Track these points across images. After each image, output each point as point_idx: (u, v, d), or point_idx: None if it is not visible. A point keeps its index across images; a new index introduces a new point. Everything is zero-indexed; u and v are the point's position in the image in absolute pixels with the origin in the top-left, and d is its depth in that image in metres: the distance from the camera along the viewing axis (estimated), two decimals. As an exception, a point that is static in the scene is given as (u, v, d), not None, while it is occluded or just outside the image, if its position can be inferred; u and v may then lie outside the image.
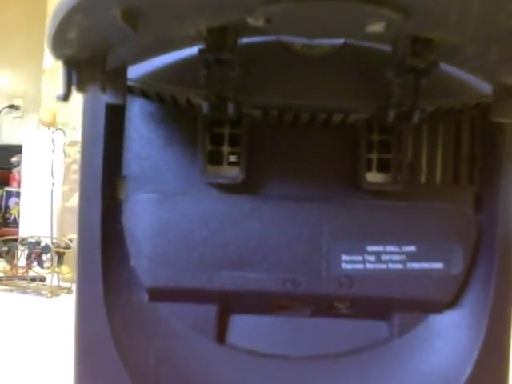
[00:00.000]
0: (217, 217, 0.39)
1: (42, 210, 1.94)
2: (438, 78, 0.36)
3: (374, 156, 0.41)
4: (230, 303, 0.40)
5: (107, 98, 0.34)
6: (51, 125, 2.06)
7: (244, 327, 0.41)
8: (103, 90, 0.31)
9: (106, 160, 0.39)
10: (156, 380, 0.38)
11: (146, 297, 0.40)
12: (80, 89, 0.30)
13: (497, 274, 0.39)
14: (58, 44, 0.26)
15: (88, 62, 0.30)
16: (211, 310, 0.40)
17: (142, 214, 0.39)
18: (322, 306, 0.40)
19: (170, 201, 0.39)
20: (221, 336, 0.40)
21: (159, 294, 0.39)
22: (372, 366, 0.41)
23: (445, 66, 0.36)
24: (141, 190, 0.39)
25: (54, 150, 1.97)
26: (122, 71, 0.34)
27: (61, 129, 2.03)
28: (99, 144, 0.39)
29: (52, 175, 1.92)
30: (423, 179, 0.41)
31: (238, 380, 0.40)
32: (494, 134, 0.41)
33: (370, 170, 0.40)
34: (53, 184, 1.92)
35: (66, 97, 0.29)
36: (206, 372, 0.39)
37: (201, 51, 0.30)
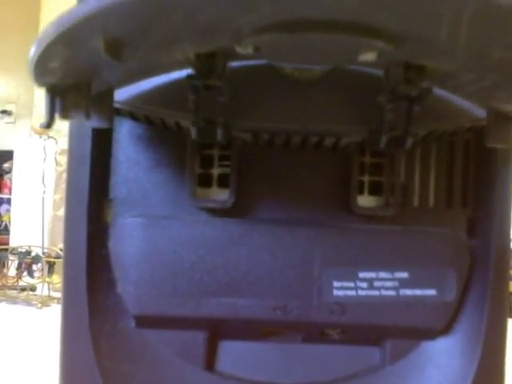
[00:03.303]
0: (206, 241, 0.38)
1: (32, 218, 1.93)
2: (431, 103, 0.36)
3: (366, 179, 0.40)
4: (218, 330, 0.39)
5: (93, 122, 0.34)
6: (43, 132, 2.04)
7: (233, 354, 0.40)
8: (87, 116, 0.30)
9: (92, 182, 0.38)
10: (142, 410, 0.37)
11: (132, 323, 0.39)
12: (64, 116, 0.29)
13: (490, 300, 0.39)
14: (41, 73, 0.26)
15: (72, 88, 0.29)
16: (199, 337, 0.39)
17: (128, 238, 0.38)
18: (313, 332, 0.40)
19: (157, 225, 0.38)
20: (209, 363, 0.39)
21: (146, 321, 0.38)
22: (364, 393, 0.40)
23: (438, 90, 0.36)
24: (128, 213, 0.39)
25: (45, 158, 1.95)
26: (108, 95, 0.33)
27: (53, 137, 2.02)
28: (86, 166, 0.38)
29: (43, 183, 1.90)
30: (416, 202, 0.40)
31: (227, 408, 0.39)
32: (488, 157, 0.40)
33: (362, 192, 0.40)
34: (44, 192, 1.91)
35: (49, 125, 0.28)
36: (194, 400, 0.38)
37: (189, 77, 0.30)
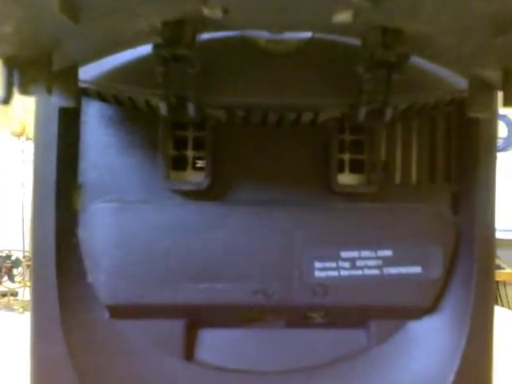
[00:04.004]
0: (181, 225, 0.36)
1: (12, 222, 1.89)
2: (411, 74, 0.34)
3: (347, 157, 0.39)
4: (197, 318, 0.38)
5: (58, 100, 0.32)
6: (21, 135, 2.00)
7: (213, 342, 0.38)
8: (49, 91, 0.28)
9: (60, 168, 0.36)
10: (119, 403, 0.36)
11: (106, 314, 0.37)
12: (23, 91, 0.27)
13: (477, 276, 0.38)
14: (-6, 39, 0.24)
15: (31, 61, 0.27)
16: (177, 326, 0.37)
17: (99, 225, 0.36)
18: (296, 316, 0.38)
19: (129, 210, 0.36)
20: (188, 352, 0.38)
21: (120, 311, 0.37)
22: (350, 376, 0.38)
23: (418, 61, 0.35)
24: (99, 199, 0.37)
25: (24, 161, 1.92)
26: (72, 71, 0.31)
27: (31, 139, 1.98)
28: (52, 150, 0.36)
29: (23, 186, 1.87)
30: (398, 179, 0.39)
31: (209, 399, 0.37)
32: (470, 131, 0.39)
33: (342, 171, 0.38)
34: (23, 195, 1.87)
35: (6, 99, 0.26)
36: (173, 392, 0.37)
37: (156, 46, 0.28)
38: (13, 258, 1.63)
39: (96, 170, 0.37)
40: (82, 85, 0.34)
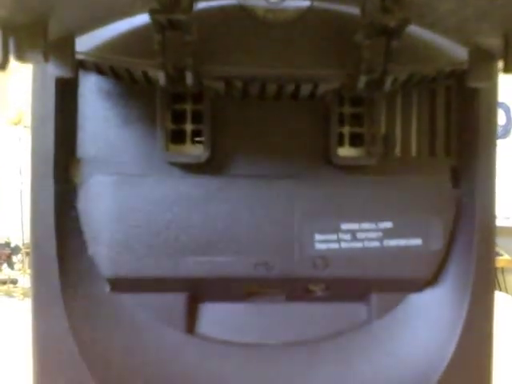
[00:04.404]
0: (181, 198, 0.36)
1: (11, 210, 1.89)
2: (411, 44, 0.34)
3: (346, 130, 0.38)
4: (198, 291, 0.37)
5: (55, 70, 0.31)
6: (17, 123, 1.99)
7: (215, 316, 0.38)
8: (46, 58, 0.28)
9: (58, 141, 0.36)
10: (120, 375, 0.36)
11: (107, 288, 0.37)
12: (19, 57, 0.27)
13: (477, 248, 0.38)
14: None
15: (27, 28, 0.27)
16: (179, 299, 0.37)
17: (98, 198, 0.36)
18: (297, 289, 0.38)
19: (129, 182, 0.36)
20: (190, 326, 0.38)
21: (121, 284, 0.37)
22: (351, 350, 0.39)
23: (418, 32, 0.34)
24: (97, 172, 0.37)
25: (21, 149, 1.91)
26: (69, 40, 0.31)
27: (28, 126, 1.97)
28: (50, 123, 0.35)
29: (20, 174, 1.86)
30: (398, 152, 0.39)
31: (211, 372, 0.37)
32: (471, 103, 0.39)
33: (342, 144, 0.38)
34: (21, 183, 1.87)
35: (2, 65, 0.26)
36: (175, 365, 0.37)
37: (152, 11, 0.28)
38: (12, 246, 1.63)
39: (94, 143, 0.37)
40: (78, 56, 0.34)
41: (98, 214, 0.36)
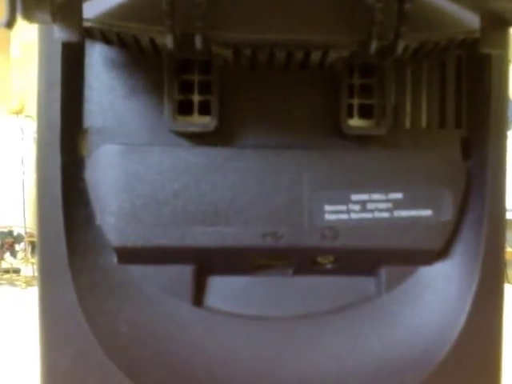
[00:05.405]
0: (188, 168, 0.36)
1: (14, 199, 1.89)
2: (423, 11, 0.34)
3: (356, 101, 0.38)
4: (206, 263, 0.37)
5: (61, 34, 0.31)
6: (19, 112, 1.99)
7: (222, 288, 0.38)
8: (54, 18, 0.27)
9: (64, 110, 0.35)
10: (128, 346, 0.35)
11: (114, 259, 0.37)
12: (26, 15, 0.26)
13: (487, 220, 0.37)
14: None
15: (34, -13, 0.27)
16: (186, 271, 0.37)
17: (106, 167, 0.36)
18: (305, 261, 0.38)
19: (136, 152, 0.36)
20: (198, 298, 0.37)
21: (129, 255, 0.36)
22: (360, 323, 0.38)
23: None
24: (104, 143, 0.36)
25: (23, 138, 1.91)
26: (76, 3, 0.30)
27: (30, 116, 1.97)
28: (56, 91, 0.35)
29: (22, 164, 1.86)
30: (408, 124, 0.39)
31: (218, 344, 0.37)
32: (481, 74, 0.38)
33: (351, 116, 0.38)
34: (23, 173, 1.87)
35: (9, 23, 0.26)
36: (182, 337, 0.37)
37: (161, -29, 0.27)
38: (15, 234, 1.63)
39: (101, 113, 0.36)
40: (84, 23, 0.33)
41: (105, 184, 0.36)
